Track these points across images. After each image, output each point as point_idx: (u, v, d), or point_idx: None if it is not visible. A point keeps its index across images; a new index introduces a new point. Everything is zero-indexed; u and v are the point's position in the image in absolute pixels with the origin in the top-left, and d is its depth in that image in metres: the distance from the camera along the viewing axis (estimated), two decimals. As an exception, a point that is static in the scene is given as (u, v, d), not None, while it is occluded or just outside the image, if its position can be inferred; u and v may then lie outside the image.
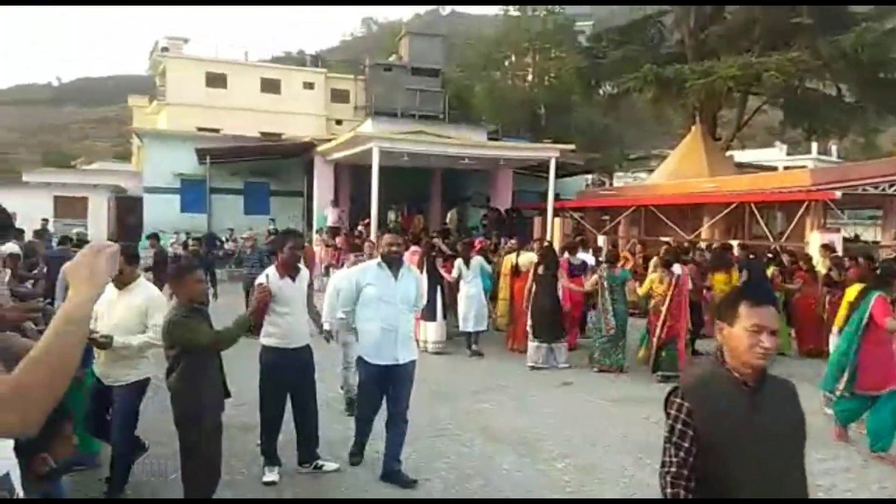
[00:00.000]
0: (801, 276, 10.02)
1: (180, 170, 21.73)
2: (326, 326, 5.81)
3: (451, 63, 30.22)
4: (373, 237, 12.99)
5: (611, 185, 30.14)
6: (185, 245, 17.10)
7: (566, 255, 9.92)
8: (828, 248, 11.24)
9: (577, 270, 9.73)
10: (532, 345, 8.70)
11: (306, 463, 4.92)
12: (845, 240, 15.25)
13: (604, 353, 8.58)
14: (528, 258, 9.72)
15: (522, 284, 9.35)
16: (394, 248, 4.69)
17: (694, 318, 9.10)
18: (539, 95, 29.93)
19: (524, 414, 6.59)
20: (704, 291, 9.57)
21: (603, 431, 6.09)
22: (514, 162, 19.79)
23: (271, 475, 4.72)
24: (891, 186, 13.64)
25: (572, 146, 18.93)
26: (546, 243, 10.86)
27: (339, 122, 30.35)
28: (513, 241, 11.50)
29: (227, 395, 4.22)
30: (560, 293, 8.85)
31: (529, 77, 30.96)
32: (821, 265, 10.64)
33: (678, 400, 2.17)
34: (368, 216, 16.50)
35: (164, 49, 33.24)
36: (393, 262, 4.69)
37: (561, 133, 25.04)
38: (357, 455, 5.09)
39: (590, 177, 29.13)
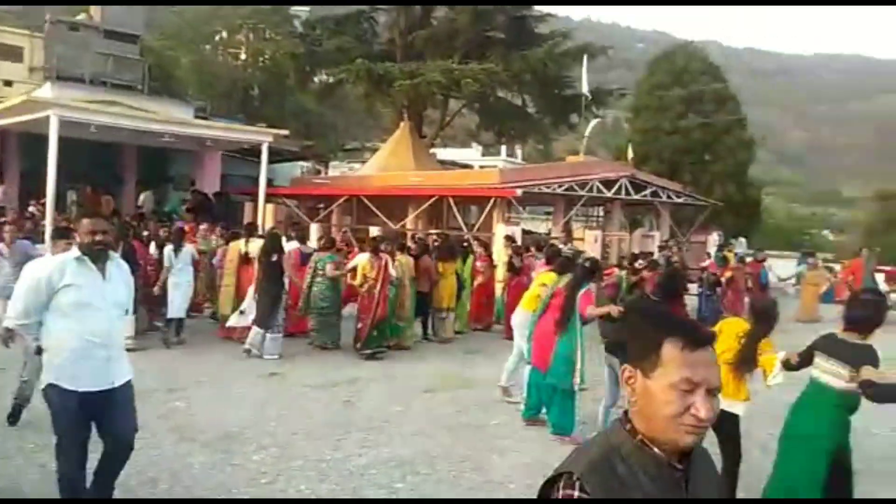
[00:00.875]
0: (483, 260, 11.79)
1: None
2: (8, 324, 4.77)
3: (152, 29, 27.41)
4: (48, 220, 11.24)
5: (326, 173, 30.43)
6: None
7: (297, 244, 10.11)
8: (510, 239, 12.77)
9: (307, 259, 9.88)
10: (253, 328, 8.60)
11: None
12: (526, 232, 17.52)
13: (318, 330, 9.28)
14: (257, 245, 9.48)
15: (252, 272, 9.22)
16: (98, 238, 3.62)
17: (422, 306, 10.16)
18: (253, 76, 28.83)
19: (226, 408, 6.30)
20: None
21: (305, 418, 6.11)
22: (224, 143, 18.77)
23: None
24: (560, 187, 16.03)
25: (286, 132, 18.62)
26: (273, 231, 10.99)
27: (8, 84, 25.52)
28: (218, 226, 10.99)
29: None
30: (286, 282, 9.00)
31: (242, 56, 29.66)
32: (503, 254, 12.11)
33: (576, 492, 1.33)
34: (43, 195, 14.20)
35: None
36: (99, 256, 3.65)
37: (276, 117, 24.48)
38: None
39: (305, 164, 29.02)
